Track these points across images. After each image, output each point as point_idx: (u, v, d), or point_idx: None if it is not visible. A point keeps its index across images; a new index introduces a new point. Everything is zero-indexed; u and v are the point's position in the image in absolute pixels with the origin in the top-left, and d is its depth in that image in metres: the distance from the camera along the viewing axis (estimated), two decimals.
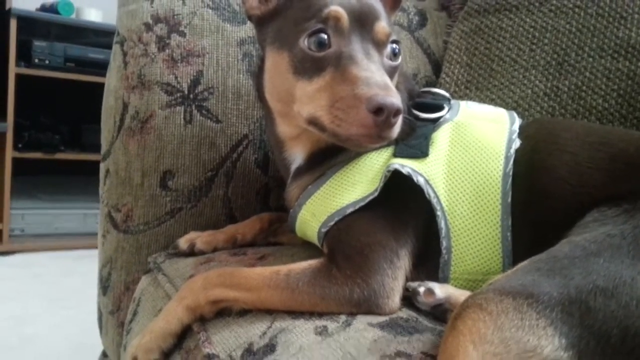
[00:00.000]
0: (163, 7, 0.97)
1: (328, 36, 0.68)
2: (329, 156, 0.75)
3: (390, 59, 0.72)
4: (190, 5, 0.98)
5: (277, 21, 0.74)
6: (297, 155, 0.79)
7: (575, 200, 0.66)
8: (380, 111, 0.61)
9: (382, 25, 0.70)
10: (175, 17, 0.97)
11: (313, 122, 0.68)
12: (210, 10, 1.00)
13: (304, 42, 0.68)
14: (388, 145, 0.73)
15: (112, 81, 0.98)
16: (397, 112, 0.62)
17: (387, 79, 0.65)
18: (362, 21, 0.69)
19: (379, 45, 0.70)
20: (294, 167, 0.80)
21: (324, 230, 0.70)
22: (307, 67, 0.68)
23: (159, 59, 0.95)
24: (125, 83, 0.95)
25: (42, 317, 1.94)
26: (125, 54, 0.97)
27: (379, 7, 0.73)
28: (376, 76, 0.64)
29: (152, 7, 0.97)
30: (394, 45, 0.72)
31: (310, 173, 0.76)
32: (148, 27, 0.96)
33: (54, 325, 1.87)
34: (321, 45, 0.68)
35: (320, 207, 0.72)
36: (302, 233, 0.78)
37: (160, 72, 0.95)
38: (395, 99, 0.62)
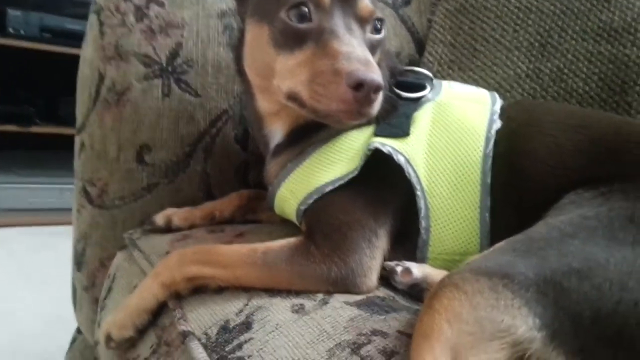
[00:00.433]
0: None
1: (309, 10, 0.66)
2: (309, 133, 0.74)
3: (373, 34, 0.70)
4: None
5: None
6: (276, 132, 0.78)
7: (554, 182, 0.66)
8: (360, 87, 0.60)
9: (365, 3, 0.69)
10: None
11: (293, 97, 0.67)
12: None
13: (284, 15, 0.67)
14: (369, 123, 0.72)
15: (87, 51, 0.95)
16: (377, 89, 0.61)
17: (368, 54, 0.64)
18: None
19: (362, 21, 0.69)
20: (273, 143, 0.79)
21: (302, 208, 0.70)
22: (288, 40, 0.67)
23: (137, 29, 0.92)
24: (101, 54, 0.92)
25: (16, 293, 1.92)
26: (101, 24, 0.94)
27: None
28: (357, 51, 0.63)
29: None
30: (377, 22, 0.71)
31: (290, 150, 0.75)
32: None
33: (29, 301, 1.85)
34: (302, 18, 0.66)
35: (300, 184, 0.71)
36: (281, 211, 0.77)
37: (137, 43, 0.92)
38: (376, 75, 0.61)
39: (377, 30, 0.71)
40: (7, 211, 2.73)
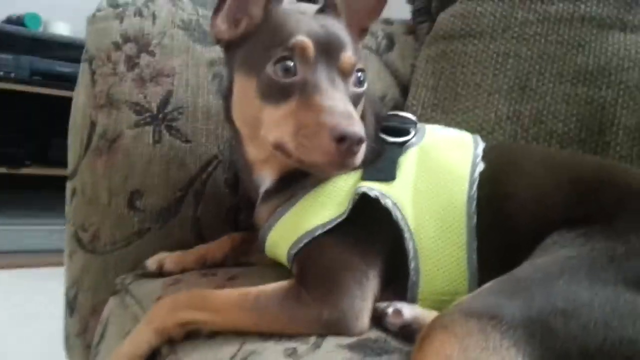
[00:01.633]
0: (133, 27, 0.97)
1: (294, 64, 0.69)
2: (298, 179, 0.76)
3: (356, 87, 0.73)
4: (160, 25, 0.98)
5: (245, 46, 0.75)
6: (265, 178, 0.79)
7: (537, 223, 0.68)
8: (343, 140, 0.62)
9: (348, 55, 0.71)
10: (145, 36, 0.97)
11: (279, 147, 0.69)
12: (180, 31, 1.00)
13: (270, 69, 0.69)
14: (356, 168, 0.74)
15: (79, 99, 0.97)
16: (359, 141, 0.63)
17: (350, 107, 0.67)
18: (328, 50, 0.70)
19: (345, 74, 0.71)
20: (262, 189, 0.80)
21: (293, 252, 0.71)
22: (274, 93, 0.69)
23: (128, 78, 0.95)
24: (93, 102, 0.94)
25: (6, 335, 1.88)
26: (93, 72, 0.96)
27: (345, 36, 0.74)
28: (340, 105, 0.65)
29: (121, 26, 0.96)
30: (359, 74, 0.73)
31: (279, 195, 0.77)
32: (117, 46, 0.96)
33: (20, 344, 1.81)
34: (287, 72, 0.69)
35: (290, 228, 0.73)
36: (272, 254, 0.78)
37: (129, 92, 0.94)
38: (358, 128, 0.63)
39: (359, 83, 0.73)
40: None
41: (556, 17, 1.06)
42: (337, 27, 0.75)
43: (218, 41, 0.80)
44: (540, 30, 1.06)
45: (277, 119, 0.69)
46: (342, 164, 0.65)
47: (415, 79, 1.16)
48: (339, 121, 0.63)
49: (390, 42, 1.24)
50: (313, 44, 0.69)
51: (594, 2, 1.05)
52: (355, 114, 0.66)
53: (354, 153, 0.64)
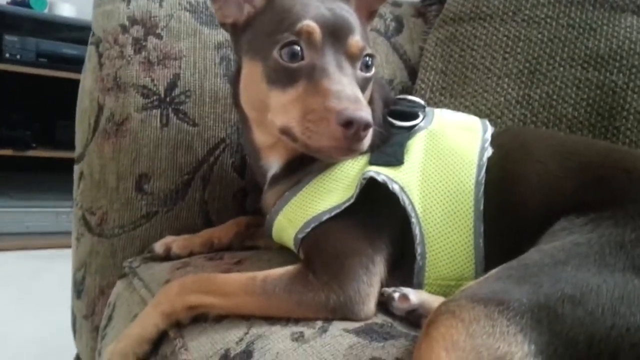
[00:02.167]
0: (140, 9, 0.96)
1: (301, 49, 0.68)
2: (305, 164, 0.75)
3: (363, 72, 0.72)
4: (167, 8, 0.98)
5: (251, 31, 0.75)
6: (273, 163, 0.79)
7: (545, 208, 0.67)
8: (350, 125, 0.62)
9: (356, 39, 0.71)
10: (152, 19, 0.96)
11: (285, 132, 0.69)
12: (187, 13, 0.99)
13: (277, 53, 0.69)
14: (362, 153, 0.74)
15: (87, 82, 0.96)
16: (366, 126, 0.63)
17: (358, 92, 0.66)
18: (336, 35, 0.70)
19: (352, 58, 0.71)
20: (270, 174, 0.80)
21: (300, 236, 0.71)
22: (281, 77, 0.69)
23: (135, 61, 0.94)
24: (100, 85, 0.94)
25: (12, 318, 1.90)
26: (100, 55, 0.96)
27: (354, 20, 0.73)
28: (347, 90, 0.65)
29: (128, 8, 0.96)
30: (368, 59, 0.72)
31: (286, 180, 0.77)
32: (124, 29, 0.95)
33: (26, 326, 1.84)
34: (294, 57, 0.68)
35: (297, 213, 0.73)
36: (279, 239, 0.78)
37: (136, 75, 0.94)
38: (365, 113, 0.63)
39: (367, 67, 0.73)
40: (3, 235, 2.72)
41: None
42: (345, 11, 0.74)
43: (223, 25, 0.79)
44: (551, 13, 1.05)
45: (284, 103, 0.69)
46: (348, 149, 0.65)
47: (424, 62, 1.15)
48: (346, 106, 0.62)
49: (399, 25, 1.23)
50: (320, 29, 0.68)
51: None
52: (363, 99, 0.66)
53: (360, 138, 0.64)
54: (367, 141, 0.66)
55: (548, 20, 1.05)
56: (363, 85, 0.71)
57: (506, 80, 1.04)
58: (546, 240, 0.62)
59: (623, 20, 1.01)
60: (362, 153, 0.73)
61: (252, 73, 0.73)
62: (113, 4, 0.97)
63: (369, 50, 0.72)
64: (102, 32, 0.96)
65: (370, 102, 0.76)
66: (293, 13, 0.70)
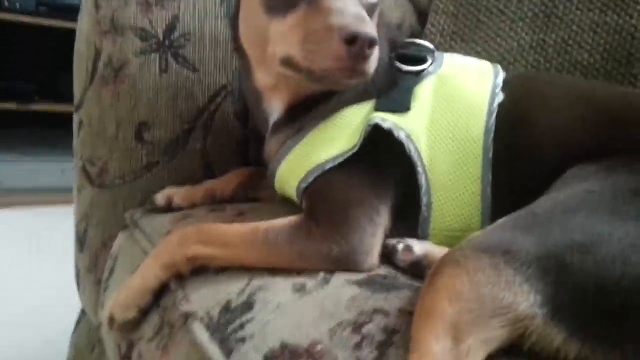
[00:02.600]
0: None
1: None
2: (308, 109, 0.73)
3: None
4: None
5: None
6: (275, 108, 0.77)
7: (557, 155, 0.65)
8: (354, 41, 0.59)
9: None
10: None
11: (287, 62, 0.66)
12: None
13: None
14: (369, 98, 0.71)
15: (83, 26, 0.93)
16: (371, 42, 0.60)
17: (362, 10, 0.63)
18: None
19: None
20: (272, 120, 0.78)
21: (303, 185, 0.69)
22: (279, 3, 0.66)
23: (133, 2, 0.91)
24: (97, 28, 0.91)
25: (19, 273, 1.93)
26: None
27: None
28: (350, 7, 0.62)
29: None
30: None
31: (289, 127, 0.75)
32: None
33: (33, 280, 1.86)
34: None
35: (300, 162, 0.71)
36: (282, 189, 0.77)
37: (133, 16, 0.90)
38: (370, 29, 0.60)
39: None
40: (8, 190, 2.72)
41: None
42: None
43: None
44: None
45: (284, 30, 0.66)
46: (353, 70, 0.62)
47: (435, 4, 1.10)
48: (350, 21, 0.59)
49: None
50: None
51: None
52: (367, 17, 0.62)
53: (366, 56, 0.61)
54: (372, 62, 0.63)
55: None
56: (369, 10, 0.67)
57: (520, 24, 1.00)
58: (557, 188, 0.60)
59: None
60: (368, 97, 0.70)
61: (250, 4, 0.71)
62: None
63: None
64: None
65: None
66: None
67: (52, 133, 3.09)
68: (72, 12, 2.71)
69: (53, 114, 2.88)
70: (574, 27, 0.97)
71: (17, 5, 2.66)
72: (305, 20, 0.63)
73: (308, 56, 0.62)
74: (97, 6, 0.91)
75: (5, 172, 2.74)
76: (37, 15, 2.70)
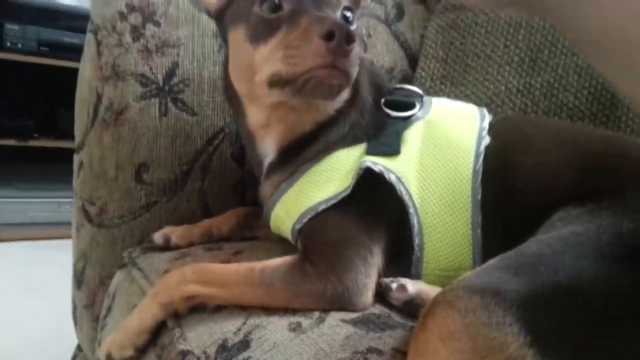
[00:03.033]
0: None
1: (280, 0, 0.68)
2: (300, 151, 0.75)
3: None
4: None
5: (232, 6, 0.76)
6: (268, 149, 0.79)
7: (543, 198, 0.67)
8: (332, 35, 0.61)
9: None
10: (150, 5, 0.96)
11: (273, 81, 0.68)
12: (185, 0, 0.98)
13: (257, 8, 0.69)
14: (358, 142, 0.74)
15: (85, 71, 0.96)
16: (349, 36, 0.62)
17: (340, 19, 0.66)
18: None
19: (330, 6, 0.70)
20: (266, 162, 0.80)
21: (297, 227, 0.71)
22: (263, 31, 0.69)
23: (134, 49, 0.94)
24: (99, 73, 0.94)
25: (15, 306, 1.91)
26: (99, 44, 0.95)
27: None
28: (328, 15, 0.65)
29: None
30: (347, 13, 0.72)
31: (282, 170, 0.77)
32: (122, 16, 0.95)
33: (28, 315, 1.85)
34: (274, 8, 0.68)
35: (294, 204, 0.72)
36: (277, 229, 0.78)
37: (134, 63, 0.93)
38: (347, 27, 0.62)
39: (346, 20, 0.72)
40: (5, 225, 2.72)
41: None
42: None
43: (209, 13, 0.80)
44: None
45: (268, 53, 0.68)
46: (334, 66, 0.64)
47: (425, 50, 1.14)
48: (327, 21, 0.62)
49: (400, 12, 1.22)
50: None
51: None
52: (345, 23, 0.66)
53: (346, 52, 0.62)
54: (354, 60, 0.64)
55: None
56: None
57: (507, 68, 1.03)
58: (544, 231, 0.62)
59: None
60: (357, 142, 0.72)
61: (237, 40, 0.74)
62: None
63: (346, 3, 0.72)
64: (101, 20, 0.95)
65: (355, 84, 0.75)
66: None
67: (49, 168, 3.10)
68: (72, 52, 2.78)
69: (50, 149, 2.90)
70: (559, 71, 1.00)
71: (20, 45, 2.71)
72: (286, 37, 0.66)
73: (290, 62, 0.65)
74: (99, 53, 0.94)
75: (4, 207, 2.74)
76: (39, 55, 2.75)
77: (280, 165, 0.77)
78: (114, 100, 0.93)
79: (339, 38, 0.61)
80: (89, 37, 0.97)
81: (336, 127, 0.76)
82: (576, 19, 0.35)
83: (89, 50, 0.96)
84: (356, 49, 0.64)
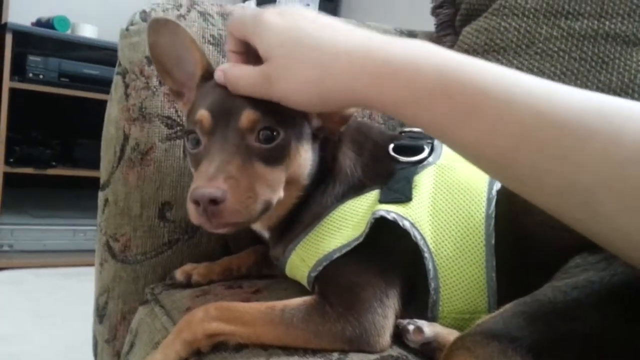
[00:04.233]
0: None
1: (199, 136, 0.71)
2: (294, 220, 0.78)
3: (262, 143, 0.69)
4: None
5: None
6: (261, 230, 0.83)
7: (558, 243, 0.68)
8: (198, 203, 0.63)
9: (247, 113, 0.68)
10: None
11: None
12: (210, 46, 1.02)
13: (186, 142, 0.74)
14: (363, 190, 0.77)
15: (113, 112, 1.00)
16: (212, 202, 0.62)
17: (225, 168, 0.64)
18: (228, 115, 0.69)
19: (244, 132, 0.68)
20: (266, 236, 0.84)
21: (313, 274, 0.73)
22: (192, 164, 0.74)
23: (160, 92, 0.98)
24: (126, 115, 0.97)
25: (30, 334, 1.93)
26: (127, 86, 0.99)
27: (254, 98, 0.68)
28: (211, 168, 0.64)
29: None
30: (268, 132, 0.69)
31: (284, 239, 0.80)
32: (150, 61, 0.99)
33: (42, 343, 1.86)
34: (194, 144, 0.72)
35: (309, 252, 0.75)
36: (293, 276, 0.81)
37: (161, 106, 0.97)
38: (211, 189, 0.62)
39: (267, 140, 0.69)
40: (21, 252, 2.76)
41: (580, 33, 1.06)
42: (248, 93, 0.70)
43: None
44: (564, 47, 1.07)
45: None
46: (210, 225, 0.65)
47: None
48: (197, 184, 0.63)
49: None
50: (211, 115, 0.69)
51: (619, 19, 1.05)
52: (222, 175, 0.64)
53: (215, 213, 0.62)
54: (231, 214, 0.63)
55: (561, 53, 1.07)
56: (265, 156, 0.69)
57: None
58: (560, 277, 0.63)
59: (635, 54, 1.03)
60: (370, 189, 0.76)
61: None
62: (139, 35, 1.00)
63: (267, 124, 0.69)
64: (129, 64, 0.99)
65: (334, 160, 0.78)
66: (196, 104, 0.74)
67: (65, 195, 3.16)
68: (91, 83, 2.85)
69: (67, 178, 2.96)
70: None
71: (41, 76, 2.79)
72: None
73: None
74: (127, 95, 0.98)
75: (20, 234, 2.78)
76: (59, 85, 2.83)
77: (279, 237, 0.80)
78: (141, 141, 0.96)
79: (203, 205, 0.62)
80: (116, 80, 1.01)
81: (324, 189, 0.78)
82: None
83: (116, 92, 1.00)
84: (236, 199, 0.63)
